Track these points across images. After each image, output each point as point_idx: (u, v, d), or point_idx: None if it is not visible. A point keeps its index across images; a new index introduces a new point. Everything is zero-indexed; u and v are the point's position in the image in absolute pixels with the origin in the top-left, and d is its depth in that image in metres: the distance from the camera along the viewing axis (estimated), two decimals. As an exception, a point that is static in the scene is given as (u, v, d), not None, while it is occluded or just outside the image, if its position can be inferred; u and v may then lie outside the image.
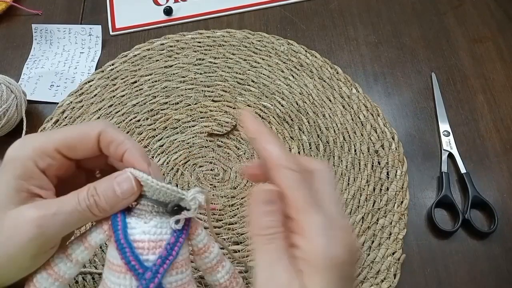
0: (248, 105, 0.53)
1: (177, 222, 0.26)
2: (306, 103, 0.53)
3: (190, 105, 0.54)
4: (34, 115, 0.55)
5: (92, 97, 0.55)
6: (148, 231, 0.25)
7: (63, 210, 0.24)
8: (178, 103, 0.54)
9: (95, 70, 0.59)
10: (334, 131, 0.51)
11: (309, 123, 0.52)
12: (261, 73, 0.56)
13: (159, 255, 0.25)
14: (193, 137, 0.52)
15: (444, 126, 0.52)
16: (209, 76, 0.56)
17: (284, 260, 0.22)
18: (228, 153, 0.51)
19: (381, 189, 0.47)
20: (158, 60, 0.58)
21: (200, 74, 0.56)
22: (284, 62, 0.57)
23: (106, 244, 0.29)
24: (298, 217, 0.22)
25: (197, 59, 0.58)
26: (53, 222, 0.24)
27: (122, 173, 0.26)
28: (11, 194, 0.24)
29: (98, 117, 0.53)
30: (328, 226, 0.22)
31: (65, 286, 0.26)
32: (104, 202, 0.25)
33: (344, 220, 0.23)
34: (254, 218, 0.23)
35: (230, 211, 0.46)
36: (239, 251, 0.44)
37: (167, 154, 0.51)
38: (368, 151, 0.50)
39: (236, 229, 0.45)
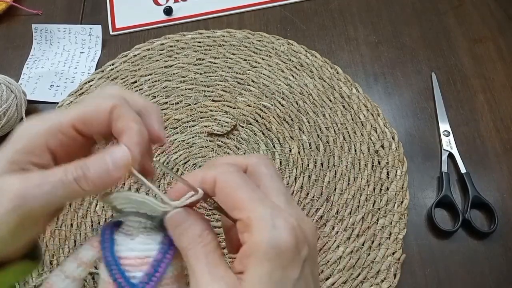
0: (248, 105, 0.53)
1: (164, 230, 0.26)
2: (306, 103, 0.53)
3: (190, 105, 0.54)
4: (34, 115, 0.55)
5: (92, 97, 0.55)
6: (134, 248, 0.25)
7: (47, 181, 0.23)
8: (178, 103, 0.54)
9: (95, 70, 0.59)
10: (334, 131, 0.51)
11: (309, 123, 0.52)
12: (261, 73, 0.56)
13: (145, 272, 0.24)
14: (193, 137, 0.52)
15: (444, 126, 0.52)
16: (209, 76, 0.56)
17: (205, 264, 0.22)
18: (228, 153, 0.51)
19: (381, 189, 0.47)
20: (158, 60, 0.58)
21: (200, 74, 0.56)
22: (284, 62, 0.57)
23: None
24: (244, 215, 0.22)
25: (197, 59, 0.58)
26: (36, 193, 0.22)
27: (117, 147, 0.24)
28: (4, 162, 0.23)
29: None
30: (275, 215, 0.21)
31: None
32: (93, 173, 0.23)
33: (293, 208, 0.23)
34: (176, 244, 0.24)
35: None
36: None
37: (167, 154, 0.51)
38: (368, 151, 0.50)
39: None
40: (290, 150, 0.50)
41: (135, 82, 0.56)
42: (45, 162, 0.25)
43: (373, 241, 0.44)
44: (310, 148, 0.50)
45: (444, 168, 0.49)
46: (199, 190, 0.24)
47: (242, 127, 0.52)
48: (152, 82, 0.56)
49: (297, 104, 0.53)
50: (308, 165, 0.49)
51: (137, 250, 0.25)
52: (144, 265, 0.24)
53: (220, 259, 0.23)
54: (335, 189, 0.48)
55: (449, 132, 0.51)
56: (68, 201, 0.26)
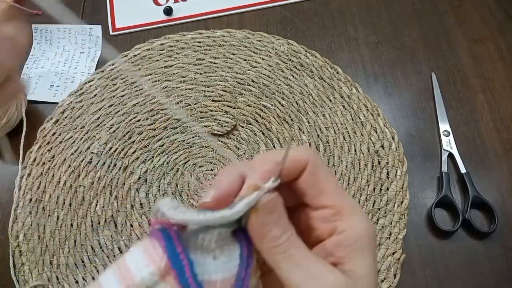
0: (248, 105, 0.53)
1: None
2: (306, 103, 0.53)
3: (190, 105, 0.54)
4: (34, 115, 0.55)
5: (92, 97, 0.55)
6: (220, 269, 0.21)
7: None
8: (178, 103, 0.54)
9: (95, 70, 0.59)
10: (334, 131, 0.51)
11: (309, 123, 0.52)
12: (261, 73, 0.56)
13: None
14: (193, 137, 0.52)
15: (444, 126, 0.52)
16: (209, 76, 0.56)
17: (313, 256, 0.20)
18: (228, 153, 0.51)
19: (381, 189, 0.47)
20: (158, 60, 0.58)
21: (200, 74, 0.56)
22: (284, 62, 0.57)
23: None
24: (334, 203, 0.21)
25: (197, 59, 0.58)
26: None
27: None
28: None
29: (98, 117, 0.53)
30: (359, 207, 0.22)
31: None
32: None
33: None
34: (263, 235, 0.21)
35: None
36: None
37: (167, 154, 0.51)
38: (368, 151, 0.50)
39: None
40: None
41: (135, 82, 0.56)
42: None
43: (373, 241, 0.44)
44: (310, 148, 0.50)
45: (444, 168, 0.49)
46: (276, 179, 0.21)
47: (242, 127, 0.52)
48: (152, 82, 0.56)
49: (297, 104, 0.53)
50: (308, 165, 0.49)
51: (223, 271, 0.21)
52: (229, 286, 0.21)
53: (312, 252, 0.21)
54: (335, 189, 0.48)
55: (449, 132, 0.51)
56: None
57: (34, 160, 0.51)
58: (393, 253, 0.44)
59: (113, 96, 0.55)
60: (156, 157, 0.51)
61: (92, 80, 0.57)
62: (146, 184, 0.50)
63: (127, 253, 0.20)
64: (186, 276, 0.19)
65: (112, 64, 0.58)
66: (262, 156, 0.23)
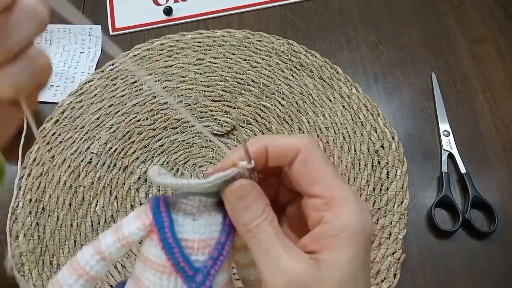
0: (248, 105, 0.53)
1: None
2: (306, 103, 0.53)
3: (190, 105, 0.54)
4: (33, 115, 0.55)
5: (92, 97, 0.55)
6: (197, 230, 0.23)
7: None
8: (178, 103, 0.54)
9: (95, 70, 0.59)
10: (334, 131, 0.51)
11: (309, 123, 0.52)
12: (261, 73, 0.56)
13: (210, 256, 0.22)
14: (193, 137, 0.52)
15: (444, 126, 0.52)
16: (209, 76, 0.56)
17: (281, 243, 0.21)
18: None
19: (381, 189, 0.47)
20: (158, 60, 0.58)
21: (200, 74, 0.56)
22: (284, 62, 0.57)
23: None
24: (327, 193, 0.21)
25: (197, 59, 0.58)
26: None
27: None
28: None
29: (98, 117, 0.53)
30: (358, 199, 0.21)
31: (91, 285, 0.23)
32: None
33: None
34: (235, 218, 0.22)
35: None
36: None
37: (167, 154, 0.51)
38: (368, 151, 0.50)
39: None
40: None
41: (135, 82, 0.56)
42: None
43: (373, 241, 0.44)
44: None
45: (444, 168, 0.49)
46: (252, 161, 0.22)
47: (242, 127, 0.52)
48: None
49: (297, 104, 0.53)
50: (308, 165, 0.49)
51: (201, 232, 0.23)
52: (208, 247, 0.23)
53: (285, 236, 0.21)
54: (335, 189, 0.48)
55: (449, 132, 0.51)
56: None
57: (34, 160, 0.51)
58: (393, 253, 0.44)
59: (113, 96, 0.55)
60: (156, 157, 0.51)
61: (92, 80, 0.56)
62: (146, 184, 0.50)
63: (125, 217, 0.23)
64: (165, 231, 0.22)
65: (112, 64, 0.58)
66: (256, 138, 0.24)
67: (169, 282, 0.22)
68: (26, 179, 0.50)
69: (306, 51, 0.58)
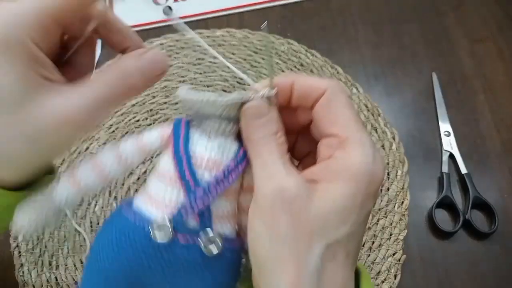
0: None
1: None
2: (306, 103, 0.53)
3: (189, 105, 0.54)
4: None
5: (91, 97, 0.55)
6: (210, 148, 0.23)
7: (95, 97, 0.21)
8: (177, 103, 0.54)
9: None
10: (335, 131, 0.51)
11: (309, 123, 0.52)
12: (261, 73, 0.56)
13: (215, 176, 0.23)
14: (193, 137, 0.52)
15: (444, 126, 0.52)
16: (209, 76, 0.56)
17: (281, 160, 0.21)
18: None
19: (381, 190, 0.47)
20: (157, 59, 0.58)
21: (200, 74, 0.56)
22: (284, 62, 0.57)
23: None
24: (343, 133, 0.21)
25: (196, 59, 0.57)
26: (83, 113, 0.20)
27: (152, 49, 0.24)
28: (23, 83, 0.20)
29: (98, 117, 0.53)
30: (374, 148, 0.21)
31: (104, 181, 0.25)
32: (140, 77, 0.22)
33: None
34: (247, 134, 0.23)
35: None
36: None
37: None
38: (369, 152, 0.49)
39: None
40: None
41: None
42: (47, 63, 0.22)
43: (373, 242, 0.44)
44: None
45: (445, 168, 0.49)
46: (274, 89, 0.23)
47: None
48: (152, 82, 0.56)
49: (297, 104, 0.53)
50: (308, 166, 0.49)
51: (213, 151, 0.23)
52: (215, 168, 0.23)
53: (290, 162, 0.22)
54: (335, 190, 0.47)
55: (450, 133, 0.51)
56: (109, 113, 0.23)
57: (33, 160, 0.51)
58: (394, 254, 0.44)
59: (113, 96, 0.55)
60: (155, 157, 0.51)
61: (91, 80, 0.56)
62: (145, 184, 0.49)
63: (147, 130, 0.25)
64: (179, 142, 0.23)
65: (112, 64, 0.58)
66: (284, 73, 0.25)
67: (172, 193, 0.23)
68: (25, 179, 0.49)
69: (306, 51, 0.57)
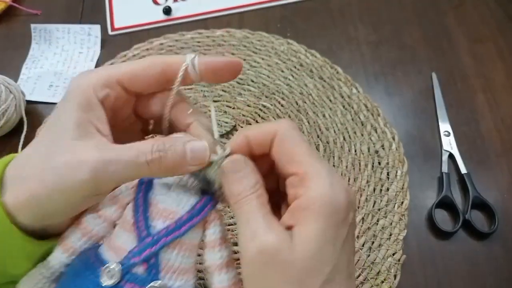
0: (248, 105, 0.53)
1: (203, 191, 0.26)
2: (306, 103, 0.53)
3: (189, 105, 0.54)
4: (33, 115, 0.55)
5: (91, 97, 0.55)
6: (166, 198, 0.24)
7: (121, 158, 0.23)
8: (177, 103, 0.54)
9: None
10: (334, 131, 0.51)
11: (309, 123, 0.52)
12: (261, 73, 0.56)
13: (167, 226, 0.24)
14: (192, 137, 0.52)
15: (444, 126, 0.52)
16: (208, 76, 0.56)
17: (261, 215, 0.22)
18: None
19: (381, 190, 0.47)
20: (157, 60, 0.58)
21: (200, 74, 0.56)
22: (284, 62, 0.57)
23: None
24: (301, 170, 0.22)
25: (196, 59, 0.57)
26: (108, 169, 0.22)
27: (197, 140, 0.25)
28: (72, 126, 0.23)
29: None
30: (331, 174, 0.22)
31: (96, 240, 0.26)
32: (170, 160, 0.23)
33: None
34: (227, 189, 0.24)
35: (230, 212, 0.46)
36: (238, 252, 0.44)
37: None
38: (368, 151, 0.49)
39: (235, 230, 0.45)
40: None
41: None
42: (102, 116, 0.25)
43: (373, 242, 0.44)
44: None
45: (445, 168, 0.49)
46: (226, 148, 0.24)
47: (242, 127, 0.52)
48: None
49: (297, 104, 0.53)
50: (308, 166, 0.49)
51: (169, 201, 0.24)
52: (168, 219, 0.24)
53: (271, 212, 0.23)
54: (335, 190, 0.47)
55: (450, 132, 0.51)
56: (133, 179, 0.26)
57: (33, 161, 0.51)
58: (394, 254, 0.43)
59: (112, 96, 0.55)
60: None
61: (91, 80, 0.56)
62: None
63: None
64: (140, 189, 0.25)
65: (111, 64, 0.58)
66: (237, 132, 0.26)
67: (127, 239, 0.24)
68: (25, 179, 0.49)
69: (306, 50, 0.57)
